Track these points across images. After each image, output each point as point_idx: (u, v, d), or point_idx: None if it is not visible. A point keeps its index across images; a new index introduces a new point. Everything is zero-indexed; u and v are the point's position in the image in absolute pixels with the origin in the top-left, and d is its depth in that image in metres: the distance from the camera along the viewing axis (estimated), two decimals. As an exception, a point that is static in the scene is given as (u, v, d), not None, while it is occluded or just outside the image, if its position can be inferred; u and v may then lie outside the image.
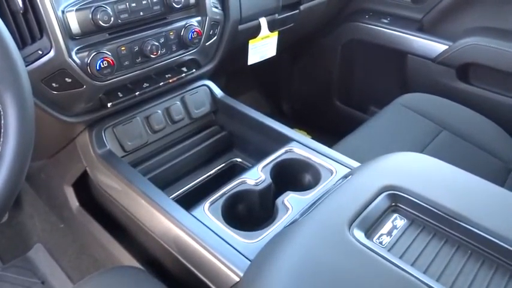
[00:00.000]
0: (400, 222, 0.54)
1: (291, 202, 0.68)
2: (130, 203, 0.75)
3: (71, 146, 0.87)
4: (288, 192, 0.71)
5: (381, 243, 0.51)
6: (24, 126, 0.49)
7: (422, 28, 1.36)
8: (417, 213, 0.54)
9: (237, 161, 0.97)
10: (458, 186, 0.57)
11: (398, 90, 1.31)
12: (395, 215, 0.55)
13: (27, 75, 0.50)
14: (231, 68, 1.34)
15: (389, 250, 0.50)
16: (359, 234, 0.50)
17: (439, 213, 0.53)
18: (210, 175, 0.92)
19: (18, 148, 0.49)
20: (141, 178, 0.76)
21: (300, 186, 0.77)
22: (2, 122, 0.49)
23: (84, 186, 0.94)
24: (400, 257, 0.49)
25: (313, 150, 0.80)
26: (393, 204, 0.56)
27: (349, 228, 0.51)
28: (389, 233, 0.52)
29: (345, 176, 0.64)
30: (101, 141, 0.81)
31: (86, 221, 0.94)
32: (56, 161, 0.95)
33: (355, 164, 0.77)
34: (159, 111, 0.90)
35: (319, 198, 0.60)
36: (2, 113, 0.49)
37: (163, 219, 0.69)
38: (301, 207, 0.66)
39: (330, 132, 1.36)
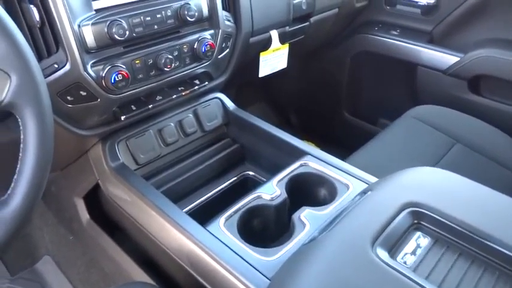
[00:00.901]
0: (424, 240, 0.52)
1: (308, 218, 0.67)
2: (143, 217, 0.75)
3: (83, 158, 0.87)
4: (304, 207, 0.70)
5: (405, 262, 0.50)
6: (44, 142, 0.49)
7: (432, 40, 1.36)
8: (441, 232, 0.53)
9: (249, 174, 0.96)
10: (481, 203, 0.56)
11: (408, 103, 1.30)
12: (419, 233, 0.54)
13: (47, 90, 0.50)
14: (242, 81, 1.34)
15: (414, 270, 0.49)
16: (383, 254, 0.49)
17: (464, 231, 0.51)
18: (223, 188, 0.92)
19: (37, 164, 0.49)
20: (154, 191, 0.75)
21: (315, 201, 0.76)
22: (22, 136, 0.49)
23: (94, 199, 0.93)
24: (426, 278, 0.48)
25: (328, 164, 0.80)
26: (416, 221, 0.55)
27: (372, 247, 0.50)
28: (413, 252, 0.51)
29: (363, 192, 0.63)
30: (114, 154, 0.81)
31: (96, 234, 0.93)
32: (67, 174, 0.94)
33: (371, 178, 0.76)
34: (172, 124, 0.90)
35: (338, 215, 0.59)
36: (21, 127, 0.48)
37: (177, 233, 0.68)
38: (318, 223, 0.65)
39: (339, 144, 1.35)
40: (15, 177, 0.49)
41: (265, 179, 0.93)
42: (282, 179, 0.76)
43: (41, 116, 0.48)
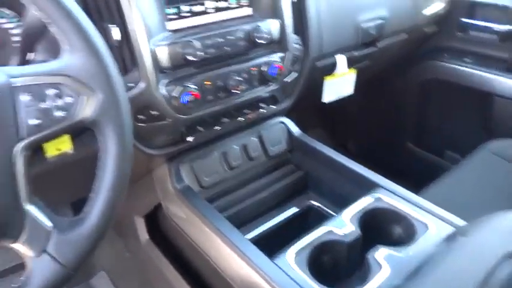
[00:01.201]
0: (536, 300, 0.45)
1: (385, 259, 0.61)
2: (206, 242, 0.72)
3: (146, 177, 0.86)
4: (378, 246, 0.64)
5: (515, 326, 0.43)
6: (123, 161, 0.48)
7: (510, 68, 1.26)
8: (557, 292, 0.45)
9: (313, 204, 0.91)
10: None
11: (480, 135, 1.20)
12: (528, 290, 0.47)
13: (129, 109, 0.49)
14: (305, 105, 1.31)
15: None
16: (487, 313, 0.43)
17: None
18: (286, 217, 0.87)
19: (115, 184, 0.47)
20: (218, 216, 0.73)
21: (389, 240, 0.70)
22: (100, 154, 0.48)
23: (153, 219, 0.92)
24: None
25: (404, 199, 0.73)
26: (523, 276, 0.48)
27: (474, 304, 0.43)
28: (524, 315, 0.44)
29: (452, 236, 0.57)
30: (179, 176, 0.80)
31: (154, 254, 0.92)
32: (129, 191, 0.94)
33: (453, 218, 0.68)
34: (236, 147, 0.88)
35: (426, 262, 0.53)
36: (101, 145, 0.48)
37: (242, 263, 0.65)
38: (397, 266, 0.59)
39: (401, 176, 1.26)
40: (91, 195, 0.48)
41: (330, 211, 0.88)
42: (354, 214, 0.71)
43: (121, 135, 0.47)
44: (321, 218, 0.88)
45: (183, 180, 0.80)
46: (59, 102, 0.44)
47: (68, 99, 0.45)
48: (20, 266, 1.04)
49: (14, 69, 0.44)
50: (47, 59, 0.72)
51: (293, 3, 0.88)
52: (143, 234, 0.93)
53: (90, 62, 0.45)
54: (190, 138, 0.80)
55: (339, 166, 0.86)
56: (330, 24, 0.99)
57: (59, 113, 0.44)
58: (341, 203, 0.85)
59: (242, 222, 0.84)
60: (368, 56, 1.19)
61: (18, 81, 0.43)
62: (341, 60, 1.07)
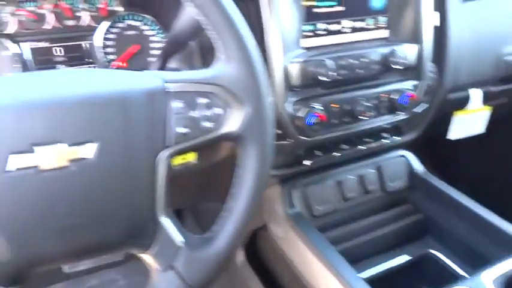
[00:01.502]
0: None
1: None
2: (315, 276, 0.66)
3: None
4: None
5: None
6: (260, 185, 0.44)
7: None
8: None
9: (432, 253, 0.80)
10: None
11: None
12: None
13: (274, 127, 0.45)
14: (426, 139, 1.21)
15: None
16: None
17: None
18: (400, 262, 0.77)
19: (250, 204, 0.44)
20: (331, 250, 0.67)
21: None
22: (239, 171, 0.44)
23: (250, 241, 0.88)
24: None
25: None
26: None
27: None
28: None
29: None
30: (291, 201, 0.75)
31: (249, 277, 0.87)
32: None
33: None
34: (353, 178, 0.81)
35: None
36: (240, 161, 0.44)
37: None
38: None
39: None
40: (224, 214, 0.45)
41: (453, 265, 0.77)
42: (497, 277, 0.59)
43: (264, 154, 0.44)
44: (441, 271, 0.77)
45: (294, 205, 0.75)
46: (208, 112, 0.42)
47: (217, 110, 0.42)
48: (119, 262, 1.06)
49: (168, 74, 0.42)
50: (180, 68, 0.73)
51: (435, 28, 0.80)
52: (240, 255, 0.90)
53: (245, 74, 0.42)
54: (307, 162, 0.75)
55: (470, 215, 0.75)
56: (470, 53, 0.89)
57: (206, 124, 0.42)
58: (470, 259, 0.73)
59: (354, 259, 0.76)
60: (506, 93, 1.05)
61: (172, 87, 0.41)
62: (476, 95, 0.96)
